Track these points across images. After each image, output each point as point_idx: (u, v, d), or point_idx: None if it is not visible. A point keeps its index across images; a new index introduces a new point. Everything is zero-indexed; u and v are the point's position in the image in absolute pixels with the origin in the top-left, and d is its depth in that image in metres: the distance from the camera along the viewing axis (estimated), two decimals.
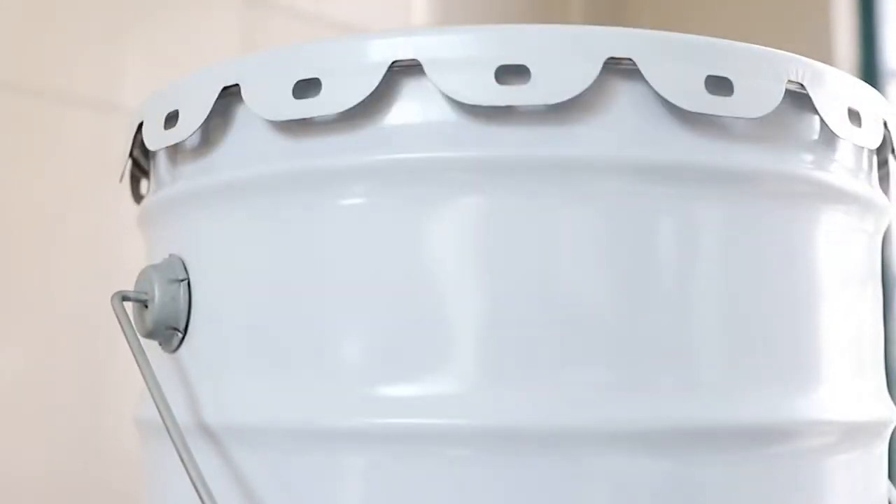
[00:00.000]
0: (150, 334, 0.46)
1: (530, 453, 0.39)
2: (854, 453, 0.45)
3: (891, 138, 0.48)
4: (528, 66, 0.40)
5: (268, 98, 0.42)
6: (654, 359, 0.40)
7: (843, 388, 0.44)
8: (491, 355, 0.40)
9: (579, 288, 0.40)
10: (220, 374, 0.44)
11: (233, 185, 0.44)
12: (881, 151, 0.49)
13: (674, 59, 0.41)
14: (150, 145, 0.47)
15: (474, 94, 0.40)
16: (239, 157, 0.44)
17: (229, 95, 0.44)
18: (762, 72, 0.42)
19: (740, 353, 0.42)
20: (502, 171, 0.41)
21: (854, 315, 0.46)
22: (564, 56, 0.40)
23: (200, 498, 0.40)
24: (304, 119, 0.42)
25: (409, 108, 0.41)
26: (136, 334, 0.44)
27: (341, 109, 0.41)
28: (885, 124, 0.47)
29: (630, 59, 0.41)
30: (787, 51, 0.44)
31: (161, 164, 0.49)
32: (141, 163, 0.53)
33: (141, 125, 0.48)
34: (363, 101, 0.41)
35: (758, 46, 0.43)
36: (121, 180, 0.53)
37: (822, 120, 0.44)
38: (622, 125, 0.41)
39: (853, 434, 0.45)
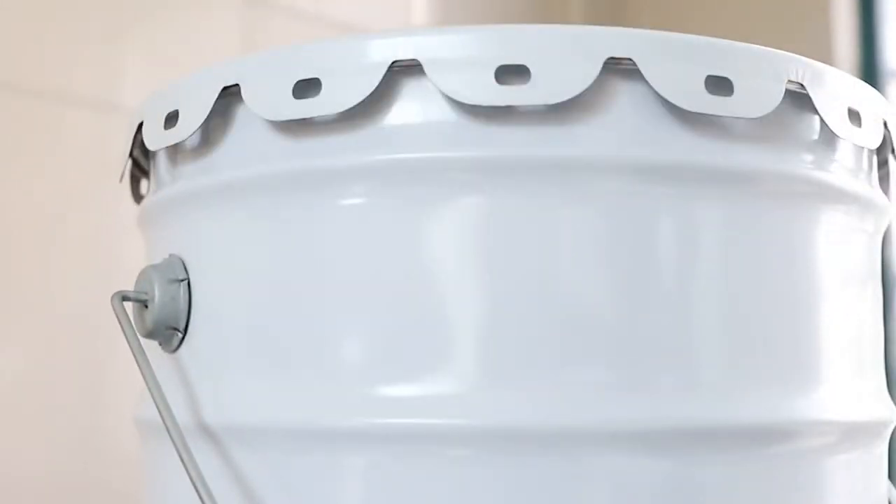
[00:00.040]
0: (150, 334, 0.46)
1: (530, 453, 0.39)
2: (854, 453, 0.45)
3: (891, 138, 0.48)
4: (528, 66, 0.40)
5: (268, 98, 0.42)
6: (654, 359, 0.40)
7: (843, 388, 0.44)
8: (491, 355, 0.40)
9: (579, 288, 0.40)
10: (220, 374, 0.44)
11: (233, 185, 0.44)
12: (881, 151, 0.49)
13: (674, 59, 0.41)
14: (150, 145, 0.47)
15: (474, 94, 0.40)
16: (239, 157, 0.44)
17: (229, 95, 0.44)
18: (762, 72, 0.42)
19: (740, 353, 0.42)
20: (502, 171, 0.41)
21: (854, 315, 0.46)
22: (564, 56, 0.40)
23: (200, 498, 0.40)
24: (304, 119, 0.42)
25: (409, 108, 0.41)
26: (136, 334, 0.44)
27: (341, 109, 0.41)
28: (885, 124, 0.47)
29: (630, 59, 0.41)
30: (787, 51, 0.44)
31: (161, 164, 0.49)
32: (141, 163, 0.53)
33: (141, 125, 0.48)
34: (363, 101, 0.41)
35: (758, 46, 0.43)
36: (121, 180, 0.53)
37: (822, 120, 0.44)
38: (622, 125, 0.41)
39: (853, 434, 0.45)
